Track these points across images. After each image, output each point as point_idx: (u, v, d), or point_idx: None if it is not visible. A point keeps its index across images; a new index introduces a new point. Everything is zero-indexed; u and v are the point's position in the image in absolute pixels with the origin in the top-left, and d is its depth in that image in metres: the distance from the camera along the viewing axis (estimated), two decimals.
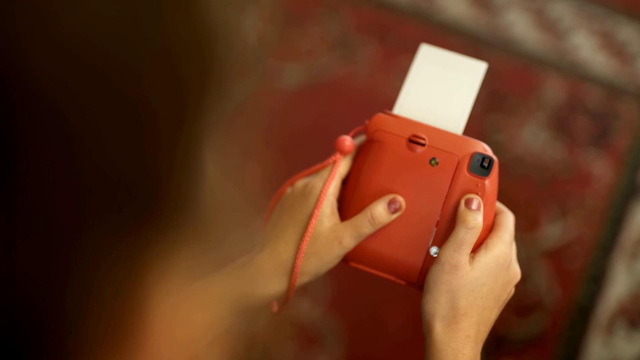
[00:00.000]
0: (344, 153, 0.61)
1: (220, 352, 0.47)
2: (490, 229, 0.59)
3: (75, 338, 0.26)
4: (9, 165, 0.24)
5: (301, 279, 0.58)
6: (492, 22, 1.37)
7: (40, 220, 0.25)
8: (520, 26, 1.37)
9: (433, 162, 0.58)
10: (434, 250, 0.58)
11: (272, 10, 1.31)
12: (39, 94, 0.24)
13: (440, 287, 0.55)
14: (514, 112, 1.30)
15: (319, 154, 0.70)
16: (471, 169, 0.58)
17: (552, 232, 1.22)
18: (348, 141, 0.61)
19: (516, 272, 0.59)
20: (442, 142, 0.58)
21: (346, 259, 0.60)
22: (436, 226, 0.58)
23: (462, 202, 0.57)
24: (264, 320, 0.67)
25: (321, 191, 0.59)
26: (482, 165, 0.58)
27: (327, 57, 1.34)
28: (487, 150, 0.58)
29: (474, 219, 0.56)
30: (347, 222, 0.58)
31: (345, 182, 0.61)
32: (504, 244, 0.57)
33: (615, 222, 1.23)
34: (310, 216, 0.58)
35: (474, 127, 1.25)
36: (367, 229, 0.58)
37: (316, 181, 0.60)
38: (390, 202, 0.58)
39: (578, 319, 1.18)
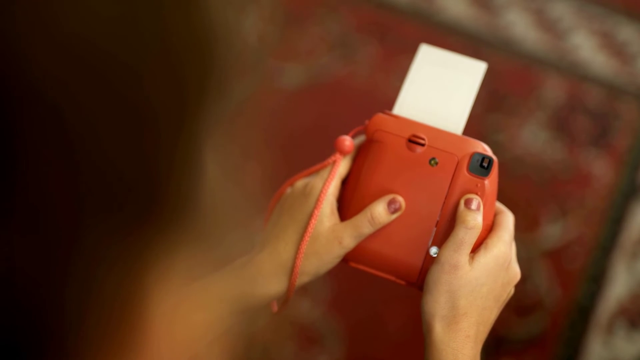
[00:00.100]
0: (343, 153, 0.61)
1: (220, 352, 0.47)
2: (490, 229, 0.59)
3: (75, 338, 0.26)
4: (8, 165, 0.24)
5: (301, 279, 0.58)
6: (492, 22, 1.37)
7: (40, 220, 0.25)
8: (520, 26, 1.37)
9: (433, 162, 0.58)
10: (433, 250, 0.58)
11: (272, 10, 1.31)
12: (39, 94, 0.24)
13: (440, 287, 0.55)
14: (514, 112, 1.30)
15: (319, 154, 0.70)
16: (471, 169, 0.58)
17: (552, 232, 1.22)
18: (348, 141, 0.61)
19: (516, 272, 0.59)
20: (442, 142, 0.58)
21: (346, 259, 0.61)
22: (436, 226, 0.58)
23: (462, 202, 0.57)
24: (264, 320, 0.67)
25: (321, 191, 0.59)
26: (481, 165, 0.58)
27: (327, 57, 1.34)
28: (486, 150, 0.58)
29: (474, 219, 0.56)
30: (347, 222, 0.58)
31: (345, 182, 0.61)
32: (504, 244, 0.57)
33: (615, 222, 1.23)
34: (310, 216, 0.58)
35: (474, 127, 1.25)
36: (367, 229, 0.58)
37: (316, 181, 0.60)
38: (390, 202, 0.58)
39: (578, 319, 1.18)
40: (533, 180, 1.25)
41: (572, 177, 1.26)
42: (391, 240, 0.59)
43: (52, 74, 0.24)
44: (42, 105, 0.24)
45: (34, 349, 0.26)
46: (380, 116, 0.60)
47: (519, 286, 0.60)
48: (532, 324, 1.18)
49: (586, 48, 1.35)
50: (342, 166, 0.61)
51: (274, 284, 0.58)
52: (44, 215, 0.25)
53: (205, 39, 0.28)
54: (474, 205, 0.57)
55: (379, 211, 0.58)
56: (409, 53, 0.71)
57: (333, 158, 0.61)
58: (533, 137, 1.28)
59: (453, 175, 0.58)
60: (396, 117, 0.60)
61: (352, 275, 0.86)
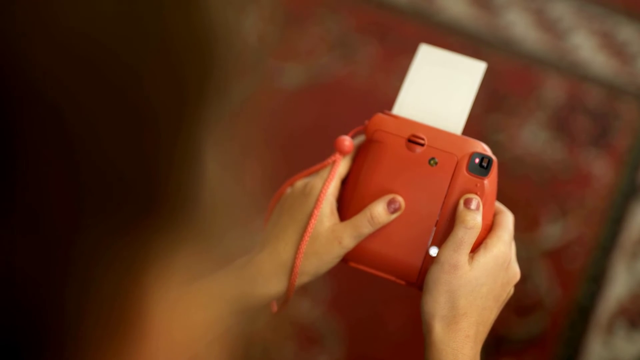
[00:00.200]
0: (343, 153, 0.61)
1: (220, 352, 0.47)
2: (489, 228, 0.59)
3: (75, 338, 0.26)
4: (8, 165, 0.24)
5: (301, 279, 0.58)
6: (492, 22, 1.37)
7: (39, 220, 0.25)
8: (520, 26, 1.37)
9: (432, 162, 0.58)
10: (433, 250, 0.58)
11: (272, 10, 1.31)
12: (39, 93, 0.24)
13: (439, 287, 0.55)
14: (514, 112, 1.30)
15: (319, 154, 0.70)
16: (470, 169, 0.58)
17: (552, 232, 1.22)
18: (347, 141, 0.61)
19: (515, 272, 0.59)
20: (442, 142, 0.58)
21: (346, 259, 0.61)
22: (435, 226, 0.58)
23: (461, 202, 0.57)
24: (264, 320, 0.67)
25: (321, 191, 0.59)
26: (481, 165, 0.58)
27: (327, 57, 1.34)
28: (486, 150, 0.58)
29: (473, 219, 0.56)
30: (347, 222, 0.58)
31: (344, 182, 0.61)
32: (504, 244, 0.57)
33: (615, 222, 1.23)
34: (310, 216, 0.58)
35: (473, 127, 1.25)
36: (367, 229, 0.58)
37: (316, 181, 0.60)
38: (390, 202, 0.58)
39: (578, 319, 1.18)
40: (533, 180, 1.25)
41: (572, 177, 1.26)
42: (391, 240, 0.59)
43: (52, 74, 0.24)
44: (42, 105, 0.24)
45: (34, 348, 0.26)
46: (379, 116, 0.60)
47: (518, 286, 0.60)
48: (532, 324, 1.18)
49: (586, 48, 1.35)
50: (341, 166, 0.61)
51: (273, 283, 0.58)
52: (43, 215, 0.25)
53: (205, 39, 0.28)
54: (473, 205, 0.57)
55: (379, 211, 0.58)
56: (409, 53, 0.71)
57: (333, 158, 0.61)
58: (533, 137, 1.28)
59: (452, 175, 0.58)
60: (396, 117, 0.60)
61: (352, 275, 0.86)
